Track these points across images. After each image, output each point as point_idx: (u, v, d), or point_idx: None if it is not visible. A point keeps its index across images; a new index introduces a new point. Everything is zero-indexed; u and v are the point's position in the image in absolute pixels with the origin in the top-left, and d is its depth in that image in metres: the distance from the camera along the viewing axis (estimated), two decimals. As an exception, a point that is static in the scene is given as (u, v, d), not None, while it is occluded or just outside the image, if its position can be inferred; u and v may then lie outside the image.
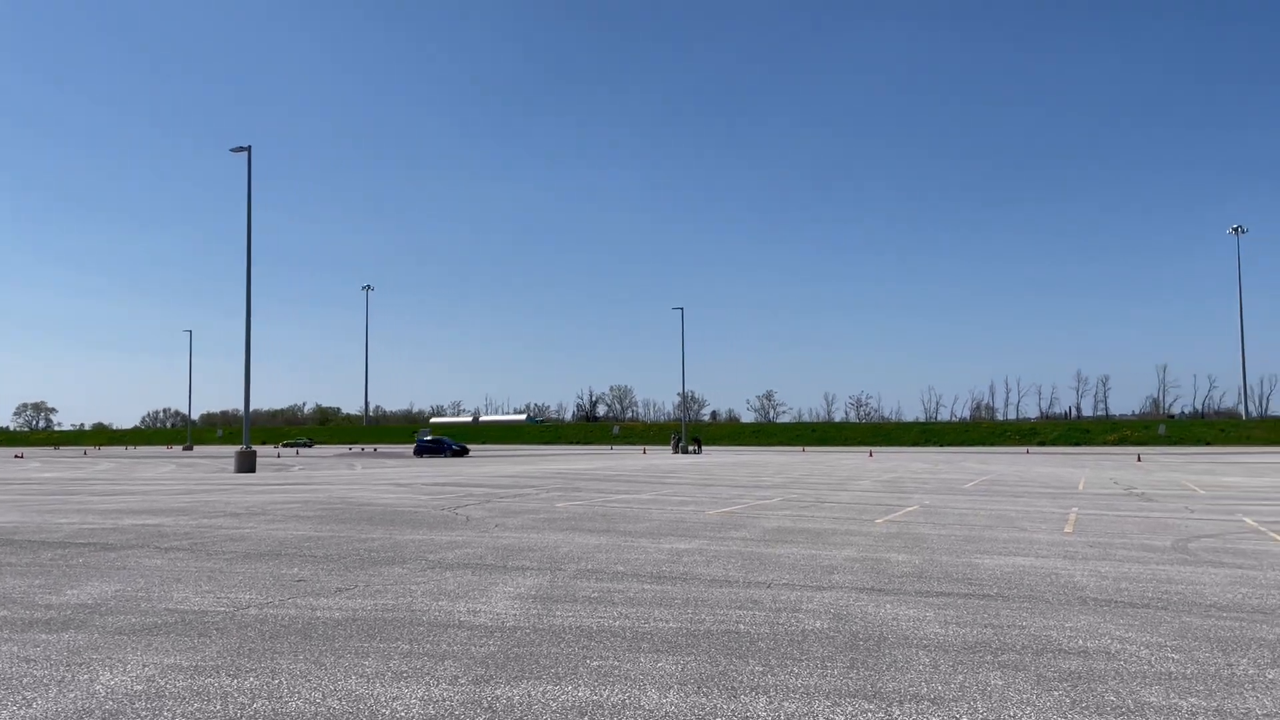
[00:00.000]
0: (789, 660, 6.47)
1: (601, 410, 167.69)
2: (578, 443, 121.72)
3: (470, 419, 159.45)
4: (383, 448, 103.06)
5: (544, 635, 7.27)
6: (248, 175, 40.13)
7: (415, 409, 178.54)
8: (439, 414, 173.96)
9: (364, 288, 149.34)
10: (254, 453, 39.59)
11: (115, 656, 6.61)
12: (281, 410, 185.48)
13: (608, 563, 11.25)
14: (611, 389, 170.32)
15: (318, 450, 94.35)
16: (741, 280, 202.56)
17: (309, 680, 5.97)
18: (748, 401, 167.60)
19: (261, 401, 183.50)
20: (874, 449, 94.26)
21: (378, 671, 6.18)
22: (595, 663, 6.41)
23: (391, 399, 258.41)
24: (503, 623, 7.75)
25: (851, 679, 5.99)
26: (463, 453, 69.05)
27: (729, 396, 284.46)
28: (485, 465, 44.79)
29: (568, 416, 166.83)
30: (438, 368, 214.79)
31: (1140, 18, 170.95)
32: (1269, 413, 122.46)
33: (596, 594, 9.10)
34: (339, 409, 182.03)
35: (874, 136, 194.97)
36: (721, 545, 13.08)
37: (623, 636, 7.22)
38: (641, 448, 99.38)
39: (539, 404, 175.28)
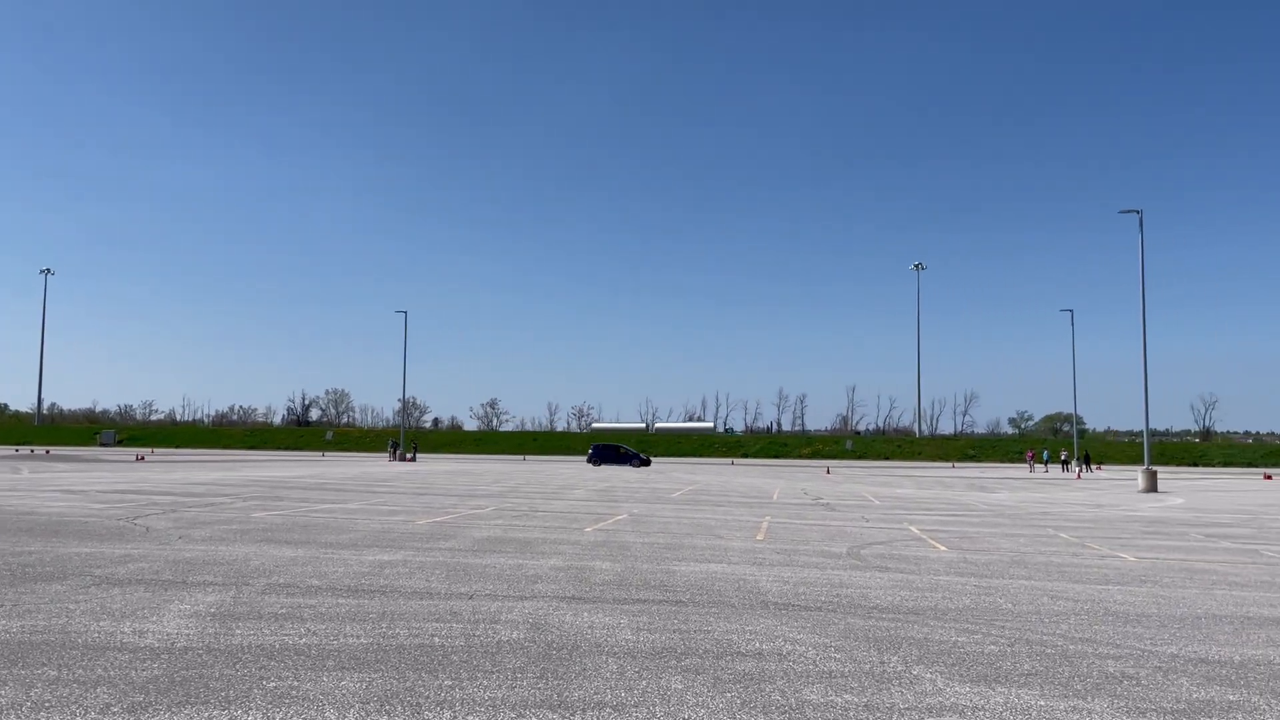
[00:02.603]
0: (480, 673, 6.40)
1: (315, 414, 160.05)
2: (287, 448, 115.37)
3: (643, 426, 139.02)
4: (57, 450, 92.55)
5: (219, 656, 6.76)
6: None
7: (99, 408, 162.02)
8: (126, 414, 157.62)
9: (42, 272, 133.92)
10: (-109, 453, 34.24)
11: None
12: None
13: (302, 576, 10.67)
14: (327, 392, 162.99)
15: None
16: (467, 286, 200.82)
17: (-78, 718, 5.18)
18: (471, 409, 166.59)
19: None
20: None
21: (14, 702, 5.47)
22: (272, 684, 6.02)
23: (71, 397, 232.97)
24: (173, 644, 7.12)
25: (540, 689, 6.01)
26: (646, 463, 64.43)
27: (452, 404, 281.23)
28: (176, 471, 41.37)
29: (276, 420, 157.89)
30: (128, 364, 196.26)
31: (841, 48, 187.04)
32: (938, 432, 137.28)
33: (285, 610, 8.59)
34: (6, 406, 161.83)
35: (603, 146, 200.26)
36: (428, 556, 12.80)
37: (307, 655, 6.84)
38: (358, 454, 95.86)
39: (244, 406, 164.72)
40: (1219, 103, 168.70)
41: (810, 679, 6.40)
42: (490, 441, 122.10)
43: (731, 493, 32.31)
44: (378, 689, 5.94)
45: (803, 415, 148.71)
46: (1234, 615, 9.64)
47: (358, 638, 7.46)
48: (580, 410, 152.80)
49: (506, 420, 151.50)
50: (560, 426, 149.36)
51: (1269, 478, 62.67)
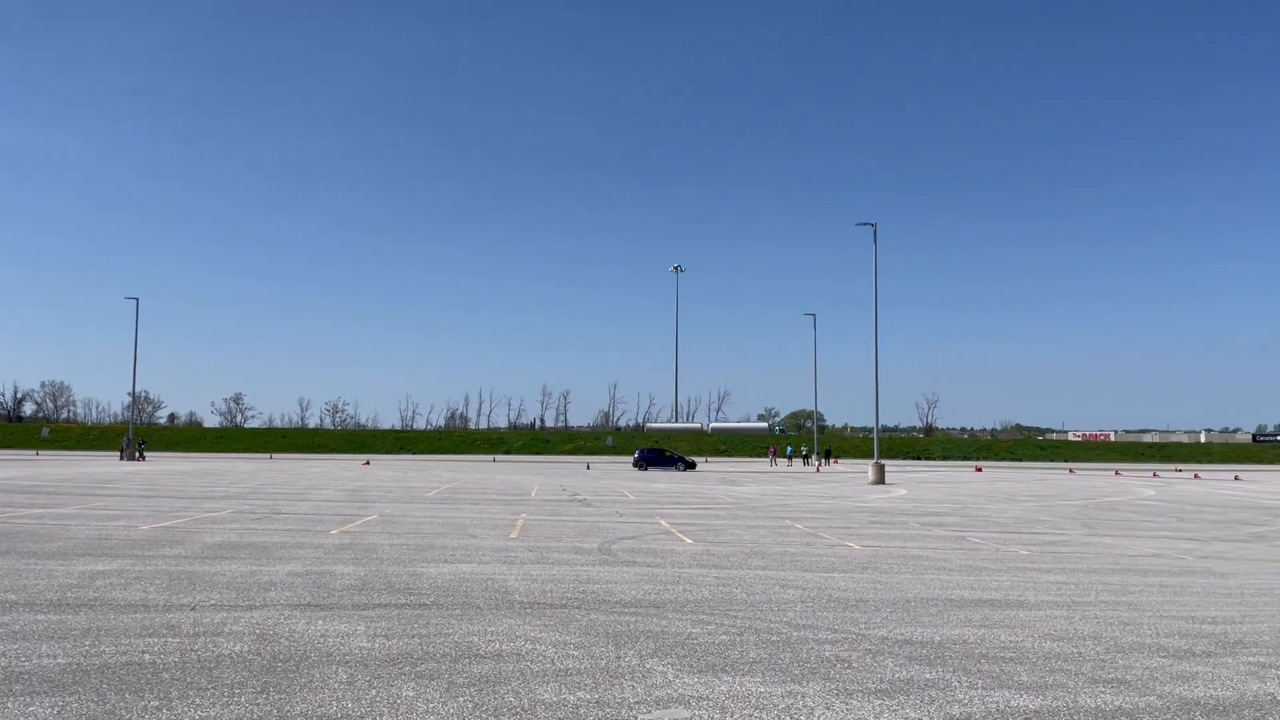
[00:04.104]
0: (194, 690, 5.96)
1: (29, 409, 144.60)
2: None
3: (699, 426, 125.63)
4: None
5: (-123, 688, 5.91)
6: None
7: None
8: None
9: None
10: None
11: None
12: None
13: (-5, 591, 9.57)
14: (43, 385, 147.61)
15: None
16: (210, 273, 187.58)
17: None
18: (213, 404, 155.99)
19: None
20: (349, 456, 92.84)
21: None
22: (-58, 716, 5.34)
23: None
24: None
25: (259, 704, 5.67)
26: (692, 466, 59.34)
27: (192, 399, 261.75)
28: None
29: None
30: None
31: (610, 49, 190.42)
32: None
33: (-32, 630, 7.66)
34: None
35: (362, 136, 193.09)
36: (149, 565, 11.83)
37: (-10, 680, 6.12)
38: (80, 454, 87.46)
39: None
40: (950, 118, 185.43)
41: (546, 678, 6.41)
42: (234, 439, 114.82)
43: (490, 490, 32.09)
44: (72, 714, 5.40)
45: (566, 412, 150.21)
46: (939, 598, 10.57)
47: (55, 658, 6.76)
48: (335, 406, 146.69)
49: (253, 416, 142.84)
50: (313, 423, 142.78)
51: (979, 470, 69.60)
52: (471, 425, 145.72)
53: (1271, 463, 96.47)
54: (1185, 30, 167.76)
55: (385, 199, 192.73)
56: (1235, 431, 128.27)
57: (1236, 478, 58.26)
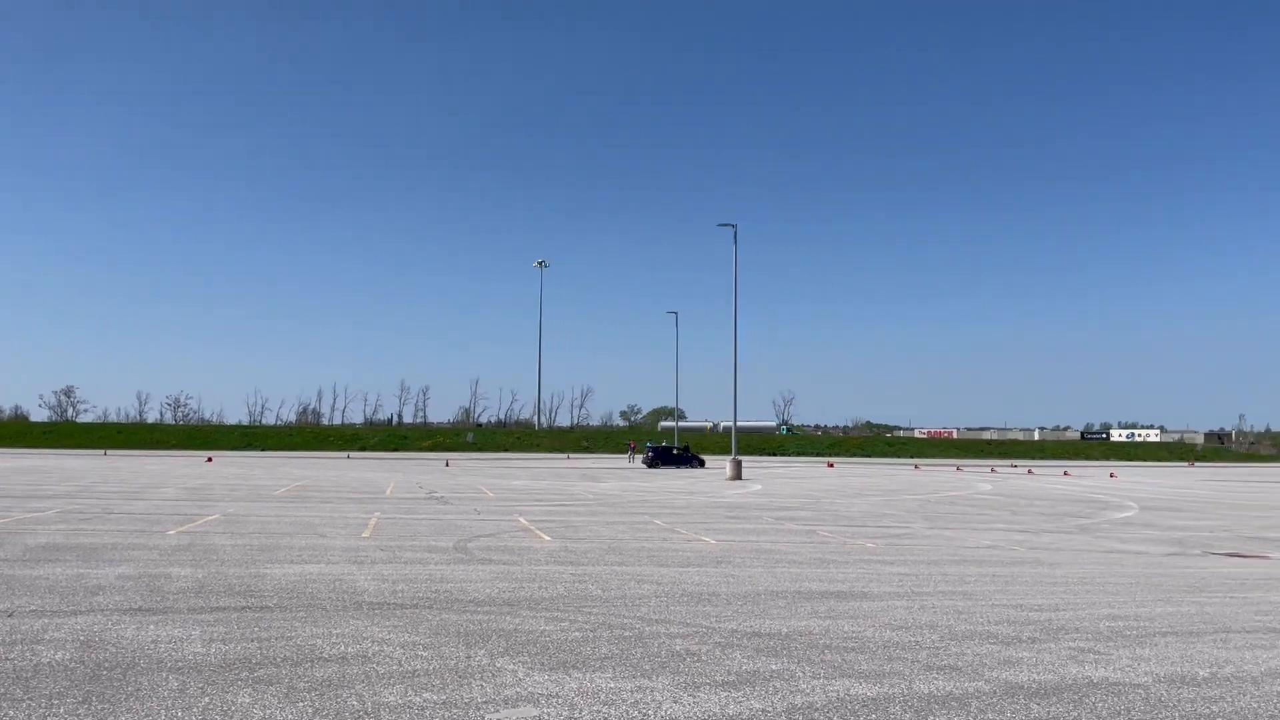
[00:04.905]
0: (8, 702, 5.55)
1: None
2: None
3: (709, 425, 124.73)
4: None
5: None
6: None
7: None
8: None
9: None
10: None
11: None
12: None
13: None
14: None
15: None
16: (38, 259, 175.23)
17: None
18: (41, 397, 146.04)
19: None
20: (192, 453, 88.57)
21: None
22: None
23: None
24: None
25: (81, 716, 5.32)
26: (702, 464, 58.47)
27: (17, 391, 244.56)
28: None
29: None
30: None
31: (476, 52, 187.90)
32: (556, 424, 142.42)
33: None
34: None
35: (211, 117, 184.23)
36: (-39, 569, 10.98)
37: None
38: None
39: None
40: (808, 121, 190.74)
41: (392, 680, 6.25)
42: (64, 435, 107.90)
43: (343, 488, 31.19)
44: None
45: (425, 407, 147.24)
46: (788, 590, 10.86)
47: None
48: (176, 400, 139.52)
49: (86, 410, 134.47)
50: (152, 418, 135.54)
51: (831, 466, 71.99)
52: (325, 421, 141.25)
53: (1099, 459, 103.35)
54: (1030, 31, 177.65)
55: (229, 183, 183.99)
56: (1066, 429, 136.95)
57: (1066, 473, 62.17)
